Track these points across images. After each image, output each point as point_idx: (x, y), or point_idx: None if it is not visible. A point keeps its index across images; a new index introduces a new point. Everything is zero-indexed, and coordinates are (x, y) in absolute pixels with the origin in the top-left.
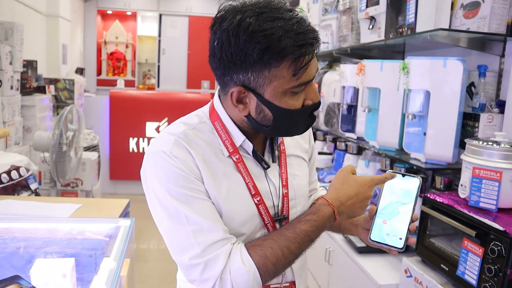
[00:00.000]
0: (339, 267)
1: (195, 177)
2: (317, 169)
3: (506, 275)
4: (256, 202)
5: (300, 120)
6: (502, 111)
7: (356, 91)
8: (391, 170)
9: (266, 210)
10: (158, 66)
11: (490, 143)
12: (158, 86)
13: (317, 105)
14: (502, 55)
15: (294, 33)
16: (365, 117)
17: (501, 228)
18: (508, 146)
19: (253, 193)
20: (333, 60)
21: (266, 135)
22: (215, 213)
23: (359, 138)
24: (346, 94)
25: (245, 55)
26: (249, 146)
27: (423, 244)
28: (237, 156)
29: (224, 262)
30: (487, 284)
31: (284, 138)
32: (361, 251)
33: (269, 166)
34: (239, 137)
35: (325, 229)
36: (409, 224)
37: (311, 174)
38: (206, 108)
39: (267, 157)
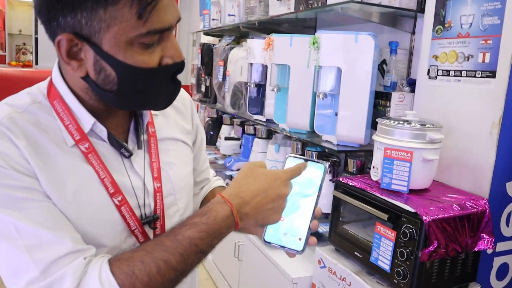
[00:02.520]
0: (249, 263)
1: (25, 173)
2: (224, 156)
3: (417, 258)
4: (117, 203)
5: (157, 85)
6: (413, 90)
7: (264, 68)
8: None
9: (132, 213)
10: (36, 39)
11: (401, 122)
12: (37, 63)
13: (179, 65)
14: (413, 32)
15: None
16: (274, 98)
17: (412, 210)
18: (418, 125)
19: (111, 191)
20: (241, 35)
21: (115, 106)
22: (58, 217)
23: (268, 121)
24: (254, 72)
25: None
26: (102, 131)
27: (336, 231)
28: (86, 145)
29: (73, 284)
30: (399, 269)
31: (154, 117)
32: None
33: (131, 154)
34: (87, 120)
35: (222, 236)
36: (311, 222)
37: (199, 160)
38: (43, 84)
39: (131, 143)
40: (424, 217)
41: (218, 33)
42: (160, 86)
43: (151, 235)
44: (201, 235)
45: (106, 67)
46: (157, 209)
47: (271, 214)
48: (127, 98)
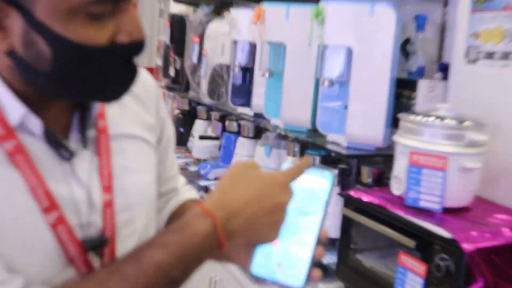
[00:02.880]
0: None
1: None
2: (198, 160)
3: None
4: (51, 221)
5: (106, 69)
6: (446, 77)
7: (253, 48)
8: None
9: (70, 234)
10: None
11: (432, 119)
12: None
13: (138, 45)
14: (446, 3)
15: None
16: (265, 85)
17: (447, 236)
18: (454, 123)
19: (44, 206)
20: (222, 4)
21: (47, 93)
22: None
23: (257, 115)
24: (239, 52)
25: None
26: (35, 125)
27: (346, 263)
28: (13, 144)
29: None
30: None
31: (106, 108)
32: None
33: (72, 155)
34: (15, 110)
35: (201, 260)
36: (314, 249)
37: (165, 165)
38: None
39: (74, 141)
40: (464, 246)
41: (192, 0)
42: (110, 71)
43: (96, 265)
44: (173, 259)
45: (38, 41)
46: (106, 230)
47: (268, 231)
48: (64, 84)
